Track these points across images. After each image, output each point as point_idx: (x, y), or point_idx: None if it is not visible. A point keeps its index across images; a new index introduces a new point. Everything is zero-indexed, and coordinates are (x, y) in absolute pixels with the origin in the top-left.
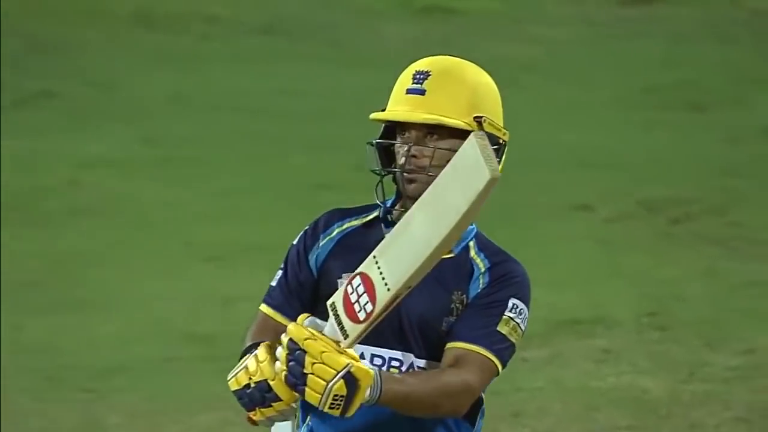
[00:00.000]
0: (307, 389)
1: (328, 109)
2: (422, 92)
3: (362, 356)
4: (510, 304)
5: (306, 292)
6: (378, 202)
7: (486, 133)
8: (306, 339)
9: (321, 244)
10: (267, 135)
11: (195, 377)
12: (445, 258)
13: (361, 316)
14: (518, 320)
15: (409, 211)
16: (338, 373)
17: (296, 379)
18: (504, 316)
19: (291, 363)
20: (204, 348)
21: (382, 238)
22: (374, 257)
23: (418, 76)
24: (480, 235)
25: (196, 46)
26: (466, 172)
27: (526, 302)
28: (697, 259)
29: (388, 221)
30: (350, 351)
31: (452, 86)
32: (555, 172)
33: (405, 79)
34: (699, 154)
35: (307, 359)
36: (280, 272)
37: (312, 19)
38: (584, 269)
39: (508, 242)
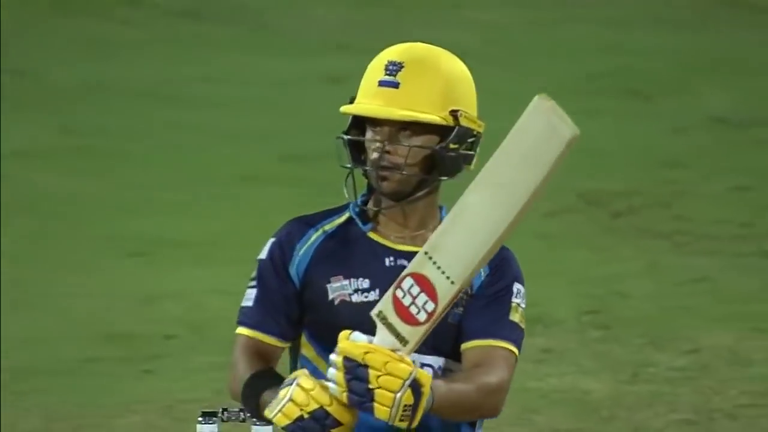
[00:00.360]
0: (375, 405)
1: (254, 97)
2: (396, 85)
3: None
4: (514, 290)
5: (291, 305)
6: (349, 199)
7: (462, 126)
8: (366, 353)
9: (300, 254)
10: (191, 124)
11: (115, 379)
12: None
13: (421, 317)
14: (523, 304)
15: (462, 199)
16: (405, 381)
17: (361, 396)
18: (512, 303)
19: (352, 381)
20: (124, 348)
21: (364, 234)
22: (426, 254)
23: (390, 68)
24: None
25: (117, 31)
26: (536, 141)
27: (523, 284)
28: (640, 254)
29: (365, 218)
30: (407, 358)
31: (427, 78)
32: None
33: (376, 70)
34: (642, 144)
35: (371, 373)
36: (253, 290)
37: (238, 2)
38: (522, 265)
39: None
